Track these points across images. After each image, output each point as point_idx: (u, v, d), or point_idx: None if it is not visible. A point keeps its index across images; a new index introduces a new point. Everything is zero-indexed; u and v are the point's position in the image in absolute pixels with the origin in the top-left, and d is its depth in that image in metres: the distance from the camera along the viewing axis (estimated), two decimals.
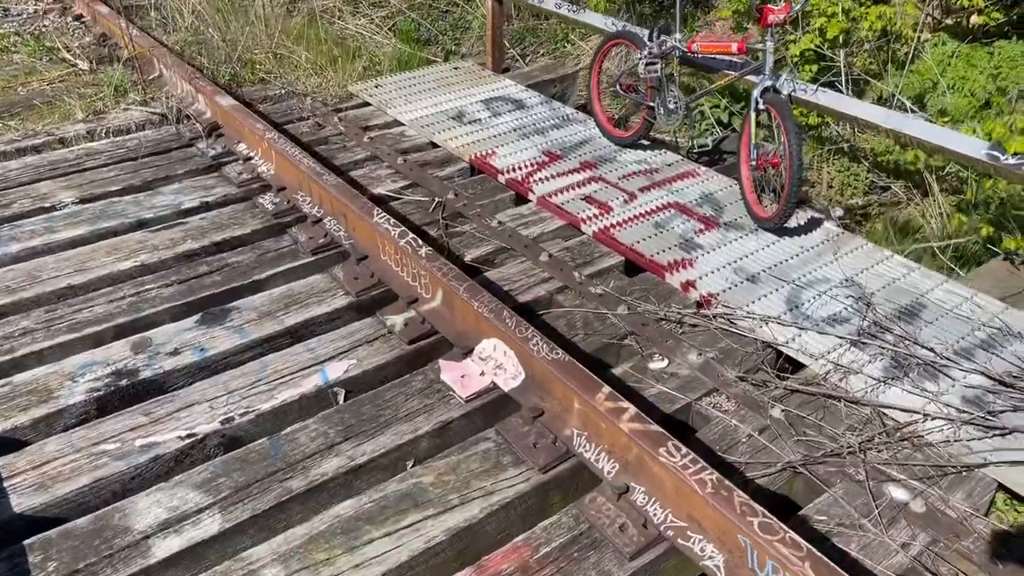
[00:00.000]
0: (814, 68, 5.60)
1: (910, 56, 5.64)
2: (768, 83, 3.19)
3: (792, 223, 3.41)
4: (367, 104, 4.72)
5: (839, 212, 4.91)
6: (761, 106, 3.21)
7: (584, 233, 3.46)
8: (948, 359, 2.66)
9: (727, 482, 1.92)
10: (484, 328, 2.58)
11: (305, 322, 2.86)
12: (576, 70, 5.43)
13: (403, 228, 2.97)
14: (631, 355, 2.78)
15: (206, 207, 3.60)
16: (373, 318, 2.85)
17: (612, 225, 3.45)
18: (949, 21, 5.87)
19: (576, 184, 3.79)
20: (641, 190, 3.74)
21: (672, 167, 3.95)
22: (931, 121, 3.77)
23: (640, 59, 3.69)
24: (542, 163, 4.00)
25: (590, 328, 2.86)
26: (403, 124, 4.45)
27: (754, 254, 3.25)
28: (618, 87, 4.01)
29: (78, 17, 6.24)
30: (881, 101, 5.98)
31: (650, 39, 3.73)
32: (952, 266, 3.68)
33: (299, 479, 2.21)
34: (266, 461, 2.27)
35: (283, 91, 4.85)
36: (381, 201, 3.69)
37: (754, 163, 3.32)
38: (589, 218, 3.51)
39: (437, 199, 3.66)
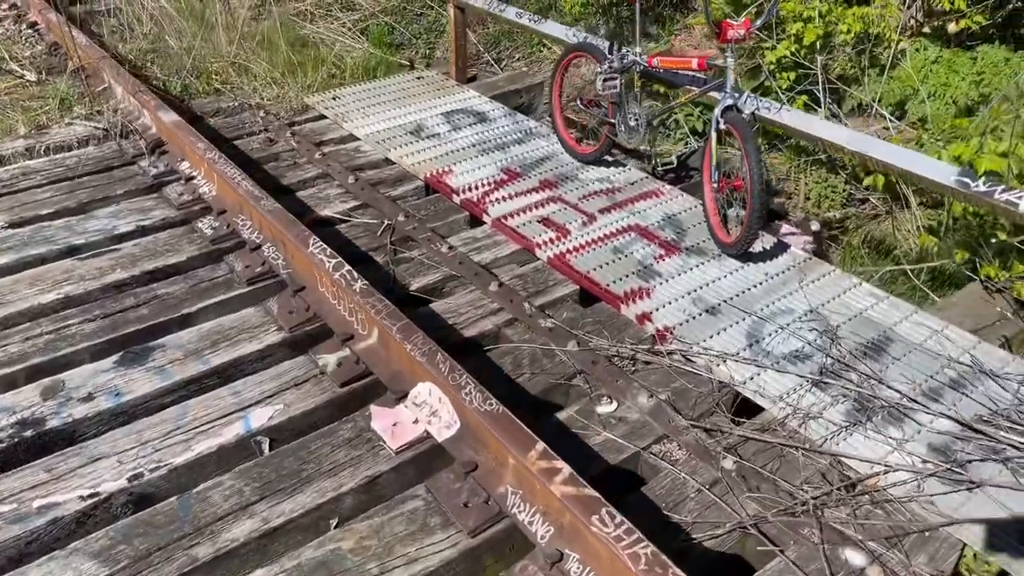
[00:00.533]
0: (791, 76, 5.44)
1: (890, 61, 5.48)
2: (729, 101, 3.02)
3: (757, 247, 3.25)
4: (323, 117, 4.53)
5: (816, 226, 4.75)
6: (722, 126, 3.04)
7: (539, 259, 3.29)
8: (915, 401, 2.50)
9: (663, 557, 1.75)
10: (419, 371, 2.41)
11: (233, 361, 2.68)
12: (543, 80, 5.25)
13: (339, 259, 2.79)
14: (579, 396, 2.61)
15: (141, 232, 3.41)
16: (306, 357, 2.67)
17: (568, 250, 3.28)
18: (927, 29, 5.71)
19: (534, 205, 3.61)
20: (601, 211, 3.57)
21: (635, 186, 3.78)
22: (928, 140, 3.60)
23: (599, 73, 3.51)
24: (500, 181, 3.82)
25: (537, 366, 2.69)
26: (359, 139, 4.27)
27: (715, 283, 3.09)
28: (579, 102, 3.84)
29: (32, 25, 6.03)
30: (860, 108, 5.85)
31: (610, 52, 3.56)
32: (925, 290, 3.52)
33: (207, 545, 2.03)
34: (173, 524, 2.09)
35: (237, 103, 4.66)
36: (328, 224, 3.52)
37: (716, 185, 3.15)
38: (545, 242, 3.33)
39: (387, 221, 3.48)
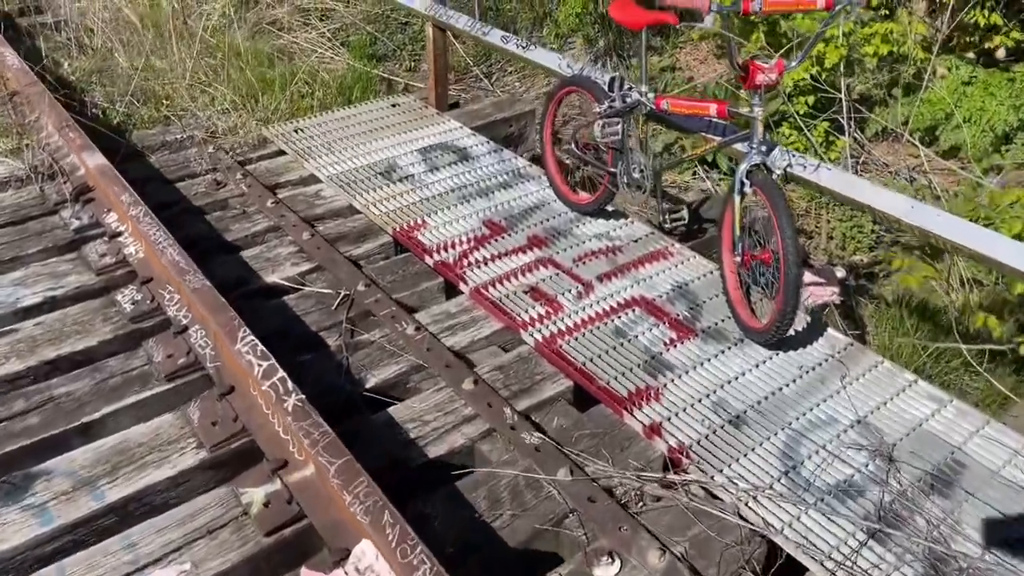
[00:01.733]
0: (810, 100, 4.89)
1: (924, 84, 4.93)
2: (756, 159, 2.47)
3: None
4: (282, 153, 3.96)
5: (841, 272, 4.19)
6: (748, 189, 2.49)
7: (525, 342, 2.73)
8: (1001, 559, 1.96)
9: None
10: (363, 529, 1.85)
11: (136, 495, 2.12)
12: (533, 108, 4.69)
13: (271, 362, 2.23)
14: (572, 547, 2.05)
15: (50, 305, 2.84)
16: (227, 489, 2.11)
17: (560, 332, 2.73)
18: (954, 43, 5.13)
19: (521, 269, 3.05)
20: (600, 278, 3.01)
21: (640, 244, 3.22)
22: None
23: (598, 115, 2.96)
24: (482, 238, 3.26)
25: (520, 502, 2.14)
26: (321, 181, 3.71)
27: (739, 379, 2.53)
28: (573, 145, 3.28)
29: None
30: (885, 132, 5.30)
31: (610, 90, 3.00)
32: (988, 377, 2.98)
33: None
34: None
35: (186, 135, 4.09)
36: (274, 293, 2.95)
37: (739, 258, 2.60)
38: (532, 321, 2.78)
39: (344, 292, 2.92)
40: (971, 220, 3.32)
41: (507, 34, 3.64)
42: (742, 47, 4.56)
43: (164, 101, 4.53)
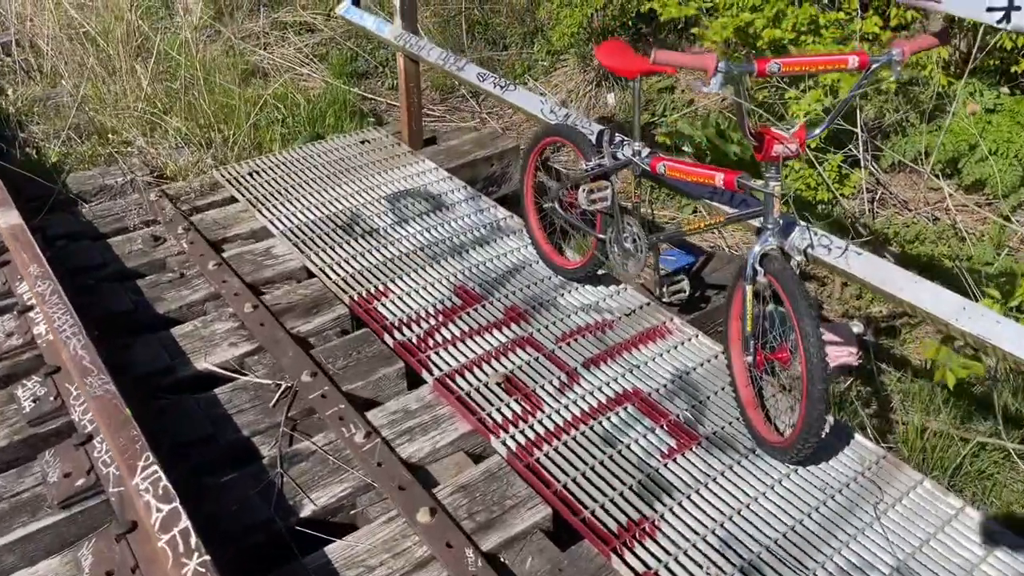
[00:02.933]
0: (823, 133, 4.47)
1: (951, 111, 4.50)
2: (771, 244, 2.04)
3: None
4: (234, 200, 3.53)
5: (858, 327, 3.77)
6: (761, 278, 2.06)
7: (496, 451, 2.30)
8: None
9: None
10: None
11: None
12: (520, 142, 4.26)
13: (174, 506, 1.80)
14: None
15: None
16: None
17: (538, 439, 2.30)
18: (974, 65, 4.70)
19: (495, 352, 2.62)
20: (587, 364, 2.58)
21: (633, 319, 2.79)
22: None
23: (583, 177, 2.53)
24: (451, 310, 2.83)
25: None
26: (274, 235, 3.28)
27: (753, 506, 2.10)
28: (557, 204, 2.84)
29: None
30: (903, 163, 4.86)
31: (598, 144, 2.58)
32: None
33: None
34: None
35: (128, 179, 3.65)
36: (205, 384, 2.52)
37: (750, 358, 2.17)
38: (505, 423, 2.35)
39: (285, 382, 2.49)
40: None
41: (484, 71, 3.20)
42: (754, 113, 4.12)
43: (111, 136, 4.11)
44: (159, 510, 1.80)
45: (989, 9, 1.68)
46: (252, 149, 4.41)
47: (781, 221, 2.07)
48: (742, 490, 2.15)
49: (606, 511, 2.08)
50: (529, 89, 3.33)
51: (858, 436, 2.32)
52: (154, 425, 2.26)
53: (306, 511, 2.10)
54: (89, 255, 3.09)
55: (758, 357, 2.15)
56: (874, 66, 1.89)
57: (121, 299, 2.86)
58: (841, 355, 3.63)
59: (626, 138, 2.58)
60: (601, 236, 2.67)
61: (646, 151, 2.47)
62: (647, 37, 5.97)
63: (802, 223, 2.20)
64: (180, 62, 5.10)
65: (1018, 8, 1.63)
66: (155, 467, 1.90)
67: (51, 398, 2.35)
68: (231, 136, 4.29)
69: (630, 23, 5.78)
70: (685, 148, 4.85)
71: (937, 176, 4.59)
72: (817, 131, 1.99)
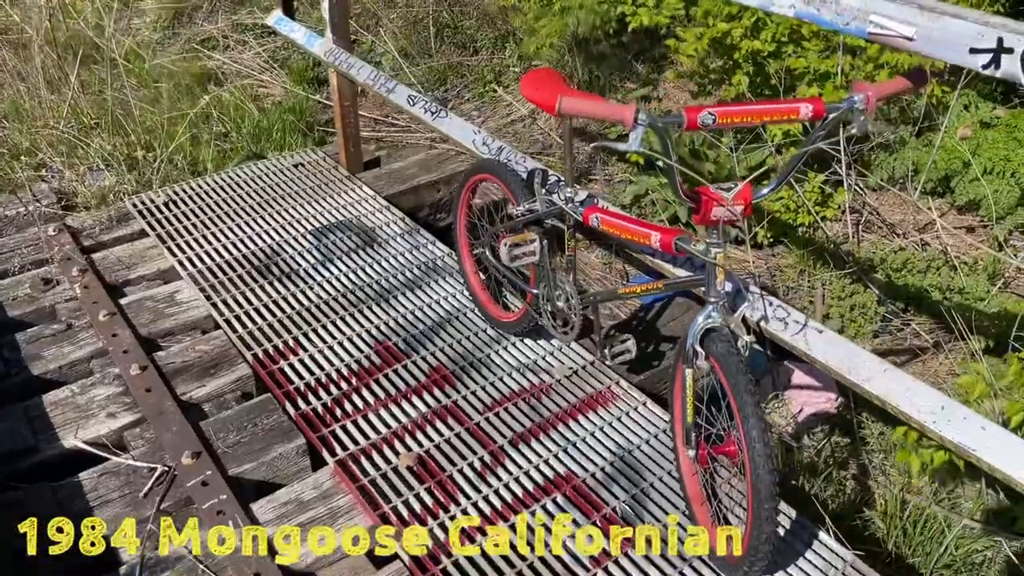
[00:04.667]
0: (795, 150, 4.14)
1: (943, 126, 4.17)
2: (714, 321, 1.70)
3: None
4: (144, 235, 3.18)
5: None
6: (701, 361, 1.72)
7: (399, 558, 1.96)
8: None
9: None
10: None
11: None
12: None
13: None
14: None
15: None
16: None
17: (446, 542, 1.96)
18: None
19: (411, 425, 2.28)
20: (515, 441, 2.24)
21: (575, 381, 2.44)
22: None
23: (506, 229, 2.19)
24: (368, 371, 2.49)
25: None
26: (181, 276, 2.93)
27: None
28: (487, 250, 2.49)
29: None
30: (891, 182, 4.52)
31: (529, 187, 2.23)
32: None
33: None
34: None
35: (27, 209, 3.30)
36: (71, 465, 2.18)
37: (691, 453, 1.83)
38: (409, 520, 2.01)
39: (163, 465, 2.15)
40: None
41: (415, 94, 2.85)
42: (707, 157, 3.77)
43: (22, 159, 3.76)
44: None
45: (972, 51, 1.34)
46: (186, 169, 4.06)
47: (726, 291, 1.73)
48: None
49: None
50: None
51: (823, 536, 1.98)
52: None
53: None
54: None
55: (700, 451, 1.82)
56: (831, 116, 1.55)
57: None
58: (819, 401, 3.30)
59: (562, 180, 2.23)
60: (534, 291, 2.32)
61: (581, 196, 2.12)
62: (627, 46, 5.62)
63: (754, 289, 1.85)
64: (122, 70, 4.74)
65: (1009, 51, 1.29)
66: None
67: None
68: (161, 155, 3.95)
69: (611, 31, 5.43)
70: (659, 164, 4.51)
71: (930, 195, 4.25)
72: (765, 191, 1.65)
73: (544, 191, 2.20)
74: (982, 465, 1.50)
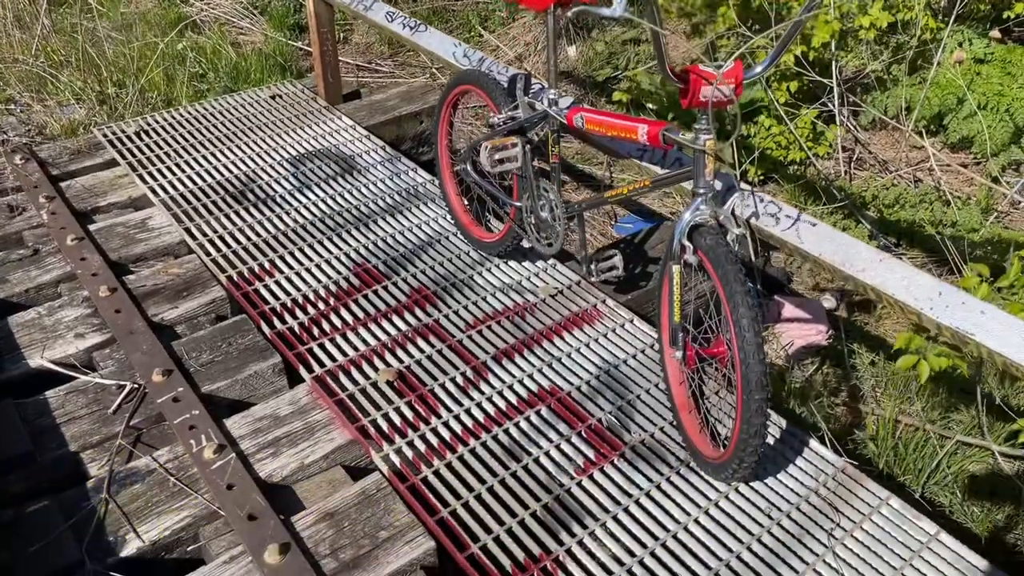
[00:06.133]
0: (793, 86, 4.05)
1: (934, 63, 4.07)
2: (703, 213, 1.62)
3: None
4: (114, 164, 3.07)
5: (830, 302, 3.40)
6: (690, 256, 1.65)
7: (377, 468, 1.90)
8: None
9: None
10: None
11: None
12: None
13: None
14: None
15: None
16: None
17: (428, 452, 1.89)
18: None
19: (391, 343, 2.21)
20: (498, 356, 2.17)
21: (558, 302, 2.38)
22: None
23: (489, 135, 2.10)
24: (346, 292, 2.41)
25: None
26: (153, 203, 2.83)
27: (682, 535, 1.71)
28: (469, 166, 2.40)
29: None
30: (882, 121, 4.44)
31: (511, 93, 2.13)
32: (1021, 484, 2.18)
33: None
34: None
35: None
36: (39, 384, 2.10)
37: (678, 355, 1.76)
38: (391, 432, 1.94)
39: (133, 383, 2.07)
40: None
41: (393, 10, 2.73)
42: (672, 41, 3.66)
43: None
44: None
45: None
46: (159, 106, 3.94)
47: (717, 184, 1.65)
48: (671, 514, 1.76)
49: (501, 544, 1.69)
50: (476, 41, 2.90)
51: (813, 443, 1.93)
52: None
53: (129, 549, 1.70)
54: None
55: (688, 352, 1.75)
56: None
57: None
58: (809, 334, 3.25)
59: (544, 85, 2.14)
60: (517, 204, 2.24)
61: (565, 101, 2.03)
62: None
63: (745, 186, 1.78)
64: (95, 14, 4.59)
65: None
66: None
67: None
68: (133, 90, 3.82)
69: None
70: (648, 105, 4.41)
71: (920, 134, 4.18)
72: (758, 69, 1.56)
73: (527, 97, 2.11)
74: (981, 351, 1.45)
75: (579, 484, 1.82)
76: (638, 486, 1.82)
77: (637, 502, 1.78)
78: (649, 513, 1.76)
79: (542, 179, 2.14)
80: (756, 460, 1.62)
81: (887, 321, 3.45)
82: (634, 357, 2.18)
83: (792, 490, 1.82)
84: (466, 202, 2.59)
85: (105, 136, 3.20)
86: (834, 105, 4.11)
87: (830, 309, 3.38)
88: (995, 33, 4.07)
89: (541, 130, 2.09)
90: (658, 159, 1.99)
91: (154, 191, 2.87)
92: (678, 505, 1.78)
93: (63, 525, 1.71)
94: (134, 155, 3.08)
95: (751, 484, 1.82)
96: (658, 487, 1.82)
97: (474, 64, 2.48)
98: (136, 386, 2.06)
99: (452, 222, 2.67)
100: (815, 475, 1.85)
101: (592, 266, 2.21)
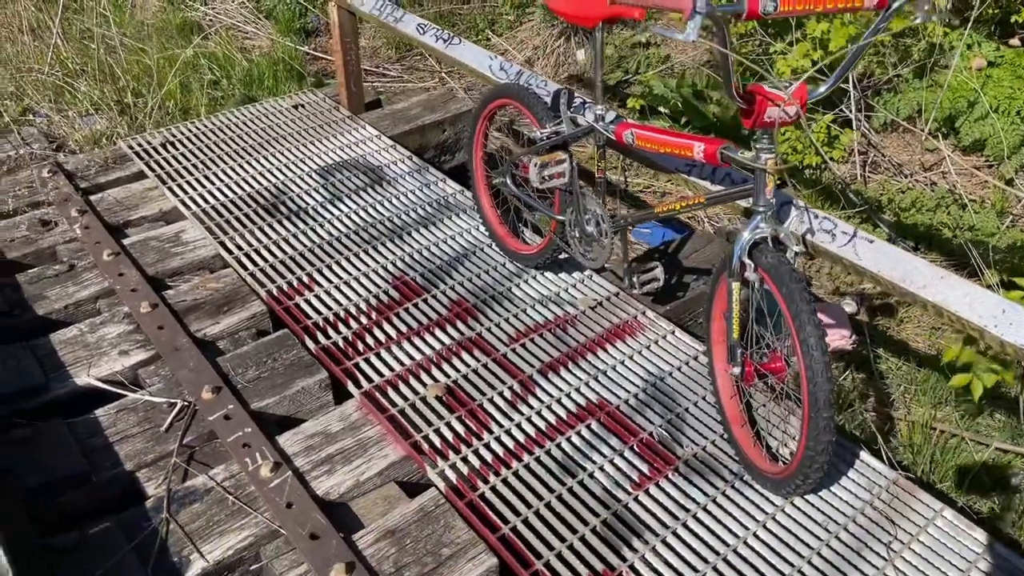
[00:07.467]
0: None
1: (951, 66, 4.10)
2: (763, 230, 1.64)
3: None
4: (142, 176, 3.06)
5: (852, 307, 3.43)
6: (750, 273, 1.67)
7: (432, 483, 1.91)
8: None
9: None
10: None
11: None
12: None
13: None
14: None
15: None
16: None
17: (483, 468, 1.91)
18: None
19: (436, 357, 2.22)
20: (544, 370, 2.19)
21: (600, 313, 2.39)
22: None
23: (534, 150, 2.11)
24: (387, 306, 2.42)
25: None
26: (185, 216, 2.83)
27: (743, 549, 1.73)
28: (508, 180, 2.41)
29: None
30: (895, 124, 4.48)
31: (555, 108, 2.14)
32: None
33: None
34: None
35: (18, 152, 3.16)
36: (87, 402, 2.10)
37: (737, 370, 1.78)
38: (444, 448, 1.96)
39: (183, 400, 2.07)
40: None
41: (425, 22, 2.74)
42: (743, 67, 3.66)
43: (5, 102, 3.60)
44: None
45: None
46: (177, 115, 3.93)
47: (774, 202, 1.67)
48: (729, 529, 1.78)
49: (563, 561, 1.71)
50: (483, 44, 2.91)
51: (864, 455, 1.95)
52: (12, 462, 1.86)
53: (193, 569, 1.70)
54: None
55: (747, 368, 1.77)
56: (895, 4, 1.48)
57: None
58: (834, 339, 3.27)
59: (588, 101, 2.15)
60: (560, 217, 2.25)
61: (611, 115, 2.04)
62: None
63: (800, 203, 1.80)
64: (110, 19, 4.56)
65: None
66: None
67: None
68: (151, 101, 3.81)
69: None
70: (661, 109, 4.43)
71: (934, 136, 4.21)
72: (822, 89, 1.58)
73: (571, 111, 2.12)
74: None
75: (636, 499, 1.84)
76: (694, 500, 1.84)
77: (694, 516, 1.80)
78: (707, 527, 1.78)
79: (587, 194, 2.15)
80: (821, 476, 1.65)
81: (908, 325, 3.49)
82: (679, 369, 2.20)
83: (847, 503, 1.84)
84: (502, 214, 2.61)
85: (131, 148, 3.19)
86: (850, 109, 4.13)
87: (852, 313, 3.41)
88: (1015, 41, 4.11)
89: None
90: (706, 174, 2.01)
91: (185, 204, 2.87)
92: (735, 519, 1.80)
93: (126, 547, 1.71)
94: (161, 167, 3.07)
95: (805, 497, 1.84)
96: (714, 501, 1.84)
97: (511, 77, 2.49)
98: (186, 404, 2.06)
99: (486, 233, 2.68)
100: (868, 487, 1.87)
101: (634, 278, 2.23)
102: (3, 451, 1.89)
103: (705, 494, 1.85)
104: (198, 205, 2.86)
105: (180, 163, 3.11)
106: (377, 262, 2.60)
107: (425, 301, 2.43)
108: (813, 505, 1.83)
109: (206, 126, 3.39)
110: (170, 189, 2.94)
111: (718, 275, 1.82)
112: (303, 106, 3.55)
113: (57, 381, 2.14)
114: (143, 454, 1.95)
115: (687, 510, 1.82)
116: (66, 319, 2.40)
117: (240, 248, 2.65)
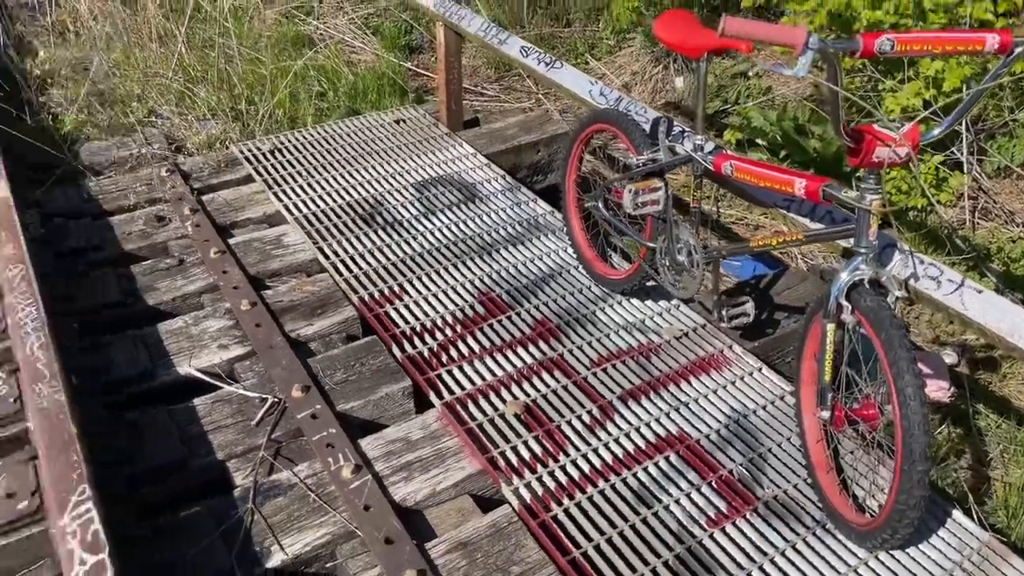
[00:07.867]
0: (921, 130, 3.92)
1: None
2: (863, 273, 1.60)
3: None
4: (250, 180, 3.22)
5: (951, 357, 3.26)
6: (847, 314, 1.62)
7: (507, 500, 1.93)
8: None
9: None
10: None
11: None
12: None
13: (100, 558, 1.49)
14: None
15: None
16: None
17: (558, 490, 1.91)
18: None
19: (517, 375, 2.24)
20: (624, 397, 2.18)
21: (685, 344, 2.37)
22: None
23: (630, 176, 2.11)
24: (472, 320, 2.46)
25: None
26: (287, 220, 2.96)
27: None
28: (601, 204, 2.42)
29: None
30: (1008, 170, 4.27)
31: (653, 135, 2.15)
32: None
33: None
34: None
35: (141, 151, 3.38)
36: (184, 391, 2.21)
37: (826, 413, 1.73)
38: (520, 466, 1.97)
39: (273, 396, 2.16)
40: None
41: (528, 46, 2.79)
42: (851, 103, 3.55)
43: (134, 104, 3.85)
44: (82, 562, 1.48)
45: None
46: (285, 123, 4.12)
47: (877, 243, 1.63)
48: None
49: None
50: (582, 68, 2.94)
51: (956, 514, 1.86)
52: (124, 444, 1.98)
53: (274, 560, 1.77)
54: (86, 235, 2.81)
55: (837, 413, 1.72)
56: (1019, 50, 1.43)
57: (111, 288, 2.58)
58: (931, 390, 3.13)
59: (687, 129, 2.15)
60: (651, 244, 2.25)
61: (710, 146, 2.04)
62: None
63: (904, 246, 1.74)
64: (231, 28, 4.84)
65: None
66: (89, 504, 1.58)
67: (11, 400, 2.07)
68: (263, 109, 4.00)
69: (710, 3, 5.24)
70: (759, 141, 4.35)
71: None
72: (936, 132, 1.54)
73: (669, 139, 2.12)
74: None
75: (711, 536, 1.81)
76: (773, 544, 1.79)
77: (772, 561, 1.75)
78: (784, 573, 1.73)
79: (680, 224, 2.14)
80: (910, 533, 1.58)
81: (1012, 381, 3.30)
82: (764, 408, 2.15)
83: (935, 562, 1.76)
84: (591, 237, 2.62)
85: (242, 152, 3.37)
86: (962, 152, 3.97)
87: (951, 365, 3.25)
88: None
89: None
90: (806, 211, 1.97)
91: (288, 209, 3.00)
92: (815, 568, 1.74)
93: (215, 532, 1.80)
94: (268, 172, 3.23)
95: (891, 552, 1.77)
96: (793, 547, 1.79)
97: (611, 102, 2.51)
98: (276, 400, 2.15)
99: (574, 256, 2.70)
100: (959, 548, 1.78)
101: (723, 311, 2.19)
102: (116, 436, 2.01)
103: (784, 539, 1.80)
104: (300, 211, 2.99)
105: (286, 169, 3.26)
106: (465, 277, 2.65)
107: (509, 318, 2.46)
108: (899, 561, 1.76)
109: (312, 136, 3.55)
110: (275, 194, 3.09)
111: (812, 315, 1.78)
112: (404, 121, 3.67)
113: (163, 368, 2.27)
114: (234, 445, 2.04)
115: (764, 553, 1.77)
116: (173, 311, 2.54)
117: (336, 254, 2.75)
